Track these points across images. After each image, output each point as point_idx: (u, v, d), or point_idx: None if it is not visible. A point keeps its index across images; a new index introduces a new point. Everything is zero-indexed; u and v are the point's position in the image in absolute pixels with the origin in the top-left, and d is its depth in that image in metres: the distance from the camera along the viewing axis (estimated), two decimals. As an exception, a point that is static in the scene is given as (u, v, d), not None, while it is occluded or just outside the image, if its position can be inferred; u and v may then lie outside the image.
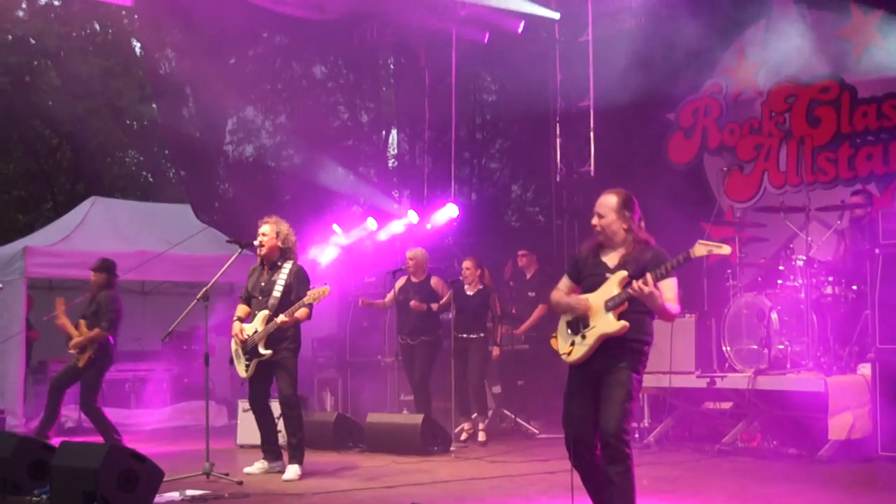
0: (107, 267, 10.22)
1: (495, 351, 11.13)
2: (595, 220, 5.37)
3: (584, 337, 5.25)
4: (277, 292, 8.36)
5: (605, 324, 5.17)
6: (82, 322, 9.96)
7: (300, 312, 8.27)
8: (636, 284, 5.03)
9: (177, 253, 12.82)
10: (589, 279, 5.38)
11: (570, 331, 5.36)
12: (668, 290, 5.17)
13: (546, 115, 14.12)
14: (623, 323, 5.13)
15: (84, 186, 23.46)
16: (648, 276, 5.03)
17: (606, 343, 5.18)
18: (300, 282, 8.40)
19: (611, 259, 5.35)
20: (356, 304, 12.62)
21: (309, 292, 8.23)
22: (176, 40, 17.00)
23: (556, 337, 5.49)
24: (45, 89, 23.48)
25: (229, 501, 7.00)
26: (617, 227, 5.32)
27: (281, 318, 8.20)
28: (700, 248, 5.05)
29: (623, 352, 5.18)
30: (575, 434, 5.26)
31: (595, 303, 5.25)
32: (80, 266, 11.83)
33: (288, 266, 8.45)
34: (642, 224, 5.39)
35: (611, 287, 5.22)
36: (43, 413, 9.96)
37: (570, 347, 5.32)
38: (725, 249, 5.08)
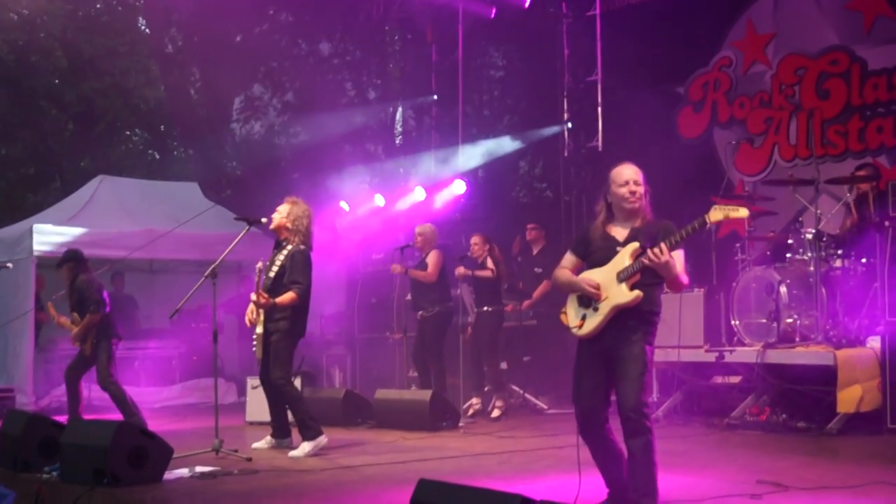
0: (68, 258, 10.18)
1: (460, 270, 11.01)
2: (633, 188, 5.27)
3: (596, 309, 5.20)
4: (272, 273, 8.35)
5: (619, 294, 5.13)
6: (75, 315, 9.97)
7: (283, 297, 8.26)
8: (651, 253, 4.99)
9: (185, 231, 12.82)
10: (598, 253, 5.33)
11: (580, 304, 5.31)
12: (678, 261, 5.13)
13: (554, 90, 14.06)
14: (637, 293, 5.09)
15: (91, 164, 23.47)
16: (663, 245, 5.00)
17: (618, 315, 5.14)
18: (295, 264, 8.33)
19: (619, 233, 5.32)
20: (364, 280, 12.64)
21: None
22: (182, 18, 16.96)
23: (565, 312, 5.42)
24: (51, 69, 23.45)
25: (238, 478, 7.01)
26: (644, 198, 5.31)
27: (257, 295, 8.20)
28: (716, 213, 4.99)
29: (636, 323, 5.15)
30: (585, 408, 5.23)
31: (606, 276, 5.20)
32: (89, 244, 11.87)
33: (288, 248, 8.42)
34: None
35: (622, 259, 5.18)
36: (68, 405, 9.97)
37: (581, 321, 5.26)
38: (743, 212, 5.00)
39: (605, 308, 5.17)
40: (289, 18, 18.02)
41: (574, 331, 5.32)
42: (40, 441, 7.32)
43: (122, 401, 9.73)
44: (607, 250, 5.28)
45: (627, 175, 5.30)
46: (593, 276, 5.28)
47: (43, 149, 24.52)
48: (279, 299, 8.24)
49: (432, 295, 10.75)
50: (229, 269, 14.13)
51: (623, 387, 5.08)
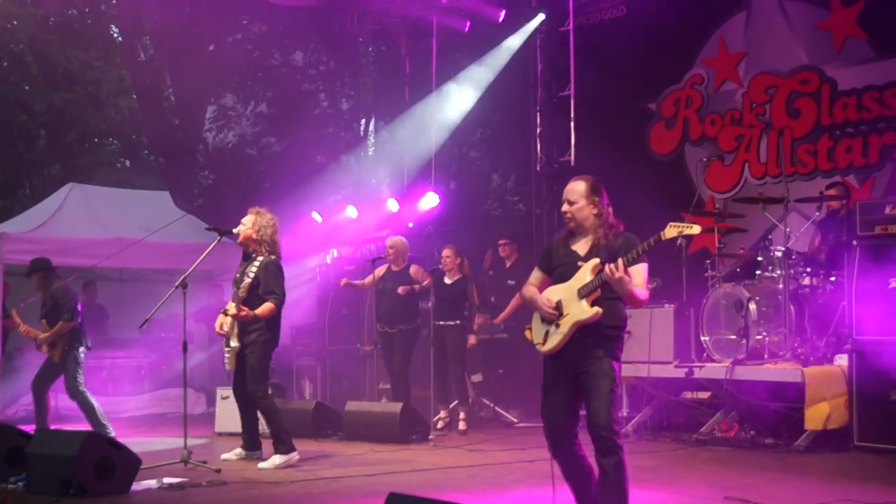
0: (38, 267, 10.10)
1: (472, 339, 11.15)
2: (565, 207, 5.31)
3: (557, 326, 5.18)
4: (245, 284, 8.33)
5: (579, 311, 5.10)
6: (44, 322, 9.89)
7: (261, 309, 8.25)
8: (607, 269, 4.96)
9: (155, 240, 12.73)
10: (561, 269, 5.31)
11: (543, 321, 5.29)
12: (638, 276, 5.11)
13: (526, 104, 14.12)
14: (596, 309, 5.05)
15: (60, 171, 23.29)
16: (620, 261, 4.98)
17: (581, 331, 5.11)
18: (269, 275, 8.33)
19: (581, 247, 5.30)
20: (335, 292, 12.61)
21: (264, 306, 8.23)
22: (155, 26, 16.91)
23: (530, 328, 5.41)
24: (22, 75, 23.28)
25: (207, 490, 6.97)
26: (587, 212, 5.26)
27: (231, 308, 8.20)
28: (671, 230, 4.97)
29: (599, 339, 5.10)
30: (553, 425, 5.20)
31: (568, 292, 5.18)
32: (58, 252, 11.74)
33: (260, 259, 8.40)
34: (610, 209, 5.33)
35: (584, 275, 5.15)
36: (35, 415, 9.87)
37: (544, 338, 5.24)
38: (695, 229, 4.97)
39: (565, 325, 5.15)
40: (262, 28, 18.02)
41: (538, 347, 5.31)
42: (6, 451, 7.23)
43: (90, 410, 9.66)
44: (569, 266, 5.27)
45: (565, 194, 5.34)
46: (555, 292, 5.27)
47: (12, 154, 24.30)
48: (259, 311, 8.22)
49: (409, 308, 10.77)
50: (200, 278, 14.05)
51: (593, 404, 5.03)
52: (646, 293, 5.17)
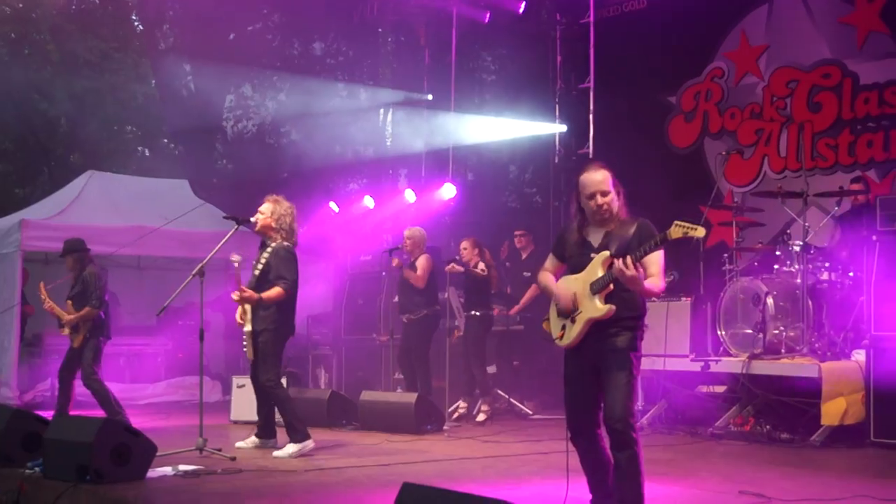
0: (74, 248, 10.07)
1: (456, 333, 11.06)
2: (601, 200, 5.15)
3: (573, 321, 5.15)
4: (257, 270, 8.36)
5: (592, 308, 5.06)
6: (69, 303, 9.92)
7: (270, 292, 8.25)
8: (617, 266, 4.91)
9: (173, 228, 12.78)
10: (573, 259, 5.27)
11: (559, 314, 5.27)
12: (653, 265, 5.05)
13: (545, 96, 14.09)
14: (609, 307, 5.02)
15: (79, 158, 23.38)
16: (629, 258, 4.91)
17: (597, 325, 5.07)
18: (280, 260, 8.33)
19: (595, 237, 5.21)
20: (352, 281, 12.62)
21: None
22: (175, 15, 16.94)
23: (548, 320, 5.39)
24: (44, 62, 23.36)
25: (222, 477, 6.99)
26: (616, 203, 5.18)
27: (236, 293, 8.20)
28: (676, 230, 4.86)
29: (617, 331, 5.07)
30: (574, 415, 5.21)
31: (581, 286, 5.14)
32: (78, 240, 11.80)
33: (272, 245, 8.42)
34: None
35: (595, 269, 5.10)
36: (58, 401, 9.91)
37: (562, 332, 5.23)
38: (700, 231, 4.87)
39: (580, 321, 5.12)
40: (282, 18, 18.02)
41: (556, 341, 5.29)
42: (24, 436, 7.29)
43: (104, 398, 9.69)
44: (582, 256, 5.21)
45: (593, 187, 5.17)
46: (569, 284, 5.23)
47: (33, 142, 24.42)
48: (265, 294, 8.22)
49: (420, 298, 10.73)
50: (217, 267, 14.08)
51: (609, 397, 5.01)
52: (661, 284, 5.12)
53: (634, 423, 5.04)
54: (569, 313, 5.19)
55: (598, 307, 5.05)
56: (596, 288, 5.06)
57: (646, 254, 4.96)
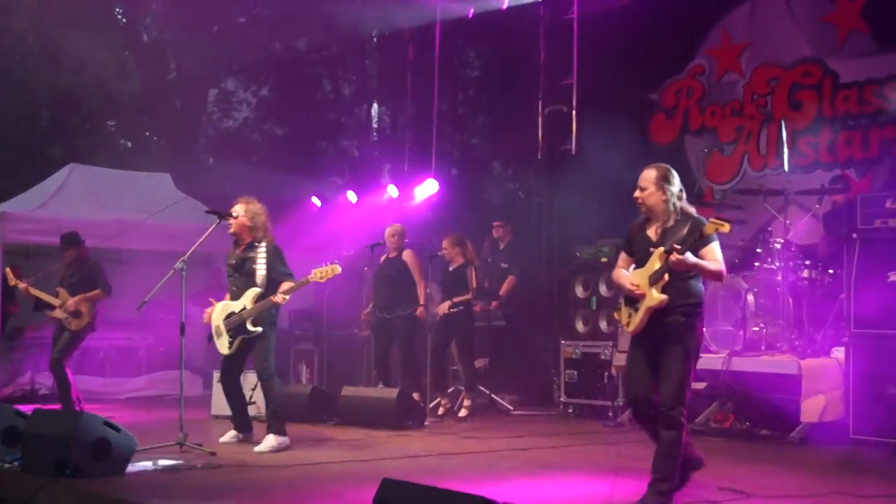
0: (76, 240, 10.12)
1: (420, 310, 10.73)
2: (637, 193, 5.77)
3: (636, 310, 5.70)
4: (262, 270, 8.35)
5: (650, 298, 5.59)
6: (60, 290, 9.88)
7: (285, 287, 8.28)
8: (672, 258, 5.44)
9: (155, 222, 12.73)
10: (638, 254, 5.81)
11: (627, 303, 5.82)
12: (710, 253, 5.60)
13: (529, 91, 14.09)
14: (663, 297, 5.54)
15: (62, 151, 23.25)
16: (673, 249, 5.46)
17: (656, 314, 5.59)
18: (277, 259, 8.41)
19: (653, 232, 5.77)
20: (333, 277, 12.60)
21: (316, 270, 8.27)
22: (159, 8, 16.90)
23: (619, 309, 5.94)
24: (24, 54, 23.21)
25: (202, 472, 6.98)
26: (657, 199, 5.71)
27: (280, 296, 8.22)
28: (710, 227, 5.52)
29: (675, 318, 5.58)
30: (635, 397, 5.82)
31: (644, 278, 5.67)
32: (58, 233, 11.68)
33: (264, 244, 8.43)
34: (683, 195, 5.76)
35: (654, 262, 5.62)
36: (58, 393, 9.88)
37: (629, 319, 5.78)
38: (726, 227, 5.51)
39: (641, 310, 5.67)
40: (266, 13, 18.00)
41: (624, 328, 5.91)
42: (3, 430, 7.21)
43: (65, 391, 9.65)
44: (644, 251, 5.76)
45: (639, 179, 5.79)
46: (634, 276, 5.78)
47: (13, 134, 24.27)
48: (284, 289, 8.24)
49: (406, 294, 10.72)
50: (199, 261, 14.02)
51: (664, 385, 5.58)
52: (722, 266, 5.69)
53: (684, 410, 5.60)
54: (635, 303, 5.72)
55: (654, 297, 5.59)
56: (653, 279, 5.61)
57: (689, 247, 5.52)
